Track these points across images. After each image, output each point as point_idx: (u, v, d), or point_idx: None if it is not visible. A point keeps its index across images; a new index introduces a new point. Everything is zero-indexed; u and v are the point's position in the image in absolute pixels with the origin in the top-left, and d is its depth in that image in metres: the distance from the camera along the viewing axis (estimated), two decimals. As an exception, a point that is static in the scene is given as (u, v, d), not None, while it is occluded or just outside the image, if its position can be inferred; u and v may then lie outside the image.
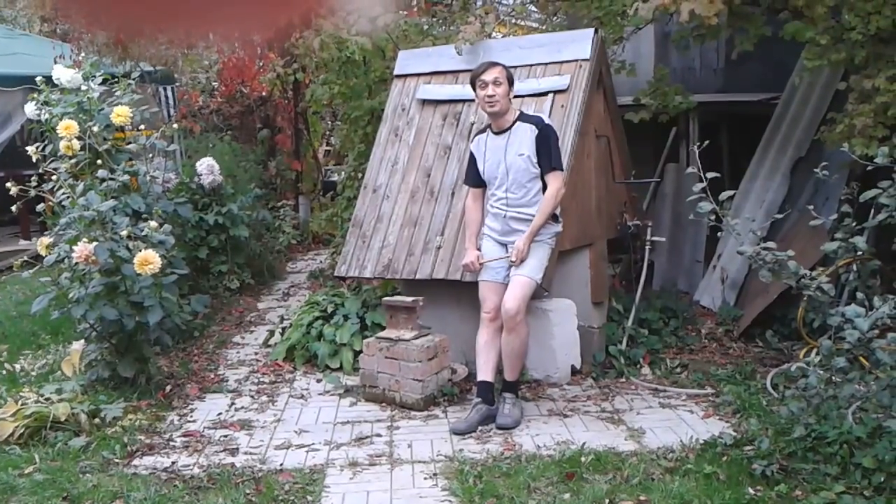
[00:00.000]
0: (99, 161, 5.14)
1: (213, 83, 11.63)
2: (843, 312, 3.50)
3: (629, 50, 6.80)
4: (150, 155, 5.83)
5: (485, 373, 4.41)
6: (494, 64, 4.47)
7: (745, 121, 7.00)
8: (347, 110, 7.20)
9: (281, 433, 4.36)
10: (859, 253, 3.95)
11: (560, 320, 4.93)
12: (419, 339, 4.65)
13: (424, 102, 5.59)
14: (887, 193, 3.68)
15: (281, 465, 3.93)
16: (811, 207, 4.15)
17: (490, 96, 4.37)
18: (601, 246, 5.45)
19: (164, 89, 10.39)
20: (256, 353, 5.89)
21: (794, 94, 6.20)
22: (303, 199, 10.92)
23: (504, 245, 4.50)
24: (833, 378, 3.64)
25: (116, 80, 5.98)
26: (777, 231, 5.78)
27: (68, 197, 4.87)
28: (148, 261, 4.42)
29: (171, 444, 4.23)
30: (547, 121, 4.51)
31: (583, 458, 3.81)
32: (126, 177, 5.19)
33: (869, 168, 3.88)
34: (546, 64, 5.25)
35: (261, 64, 10.17)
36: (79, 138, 5.03)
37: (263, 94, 11.21)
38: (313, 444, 4.19)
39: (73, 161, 5.07)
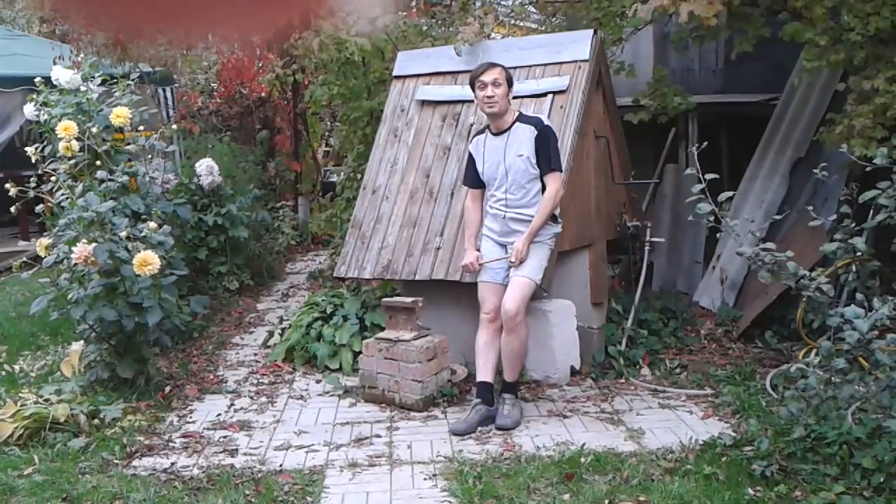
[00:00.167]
0: (98, 162, 5.14)
1: (213, 84, 11.65)
2: (842, 313, 3.50)
3: (628, 51, 6.80)
4: (150, 156, 5.82)
5: (484, 373, 4.41)
6: (494, 65, 4.47)
7: (744, 121, 7.00)
8: (347, 111, 7.21)
9: (280, 434, 4.36)
10: (858, 254, 3.96)
11: (559, 321, 4.93)
12: (418, 340, 4.65)
13: (423, 103, 5.59)
14: (886, 194, 3.68)
15: (280, 465, 3.93)
16: (810, 208, 4.15)
17: (489, 97, 4.37)
18: (600, 247, 5.45)
19: (164, 90, 10.39)
20: (256, 354, 5.89)
21: (793, 95, 6.20)
22: (302, 199, 10.92)
23: (503, 246, 4.50)
24: (832, 379, 3.64)
25: (115, 80, 5.98)
26: (776, 232, 5.78)
27: (67, 198, 4.87)
28: (147, 262, 4.42)
29: (171, 444, 4.22)
30: (546, 122, 4.51)
31: (582, 459, 3.81)
32: (125, 178, 5.19)
33: (868, 169, 3.88)
34: (545, 65, 5.25)
35: (260, 65, 10.17)
36: (78, 139, 5.03)
37: (263, 94, 11.21)
38: (313, 444, 4.19)
39: (73, 162, 5.07)
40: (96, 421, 4.34)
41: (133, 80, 6.08)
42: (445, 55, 5.62)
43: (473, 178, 4.61)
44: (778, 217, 5.19)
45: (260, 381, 5.28)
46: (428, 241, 5.12)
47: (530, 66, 5.29)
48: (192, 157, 8.75)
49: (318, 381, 5.20)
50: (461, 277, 4.82)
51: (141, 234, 4.68)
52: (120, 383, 4.80)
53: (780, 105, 6.34)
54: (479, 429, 4.29)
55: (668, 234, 6.76)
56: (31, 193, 4.88)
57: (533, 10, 8.71)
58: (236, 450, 4.14)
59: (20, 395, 4.65)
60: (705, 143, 4.20)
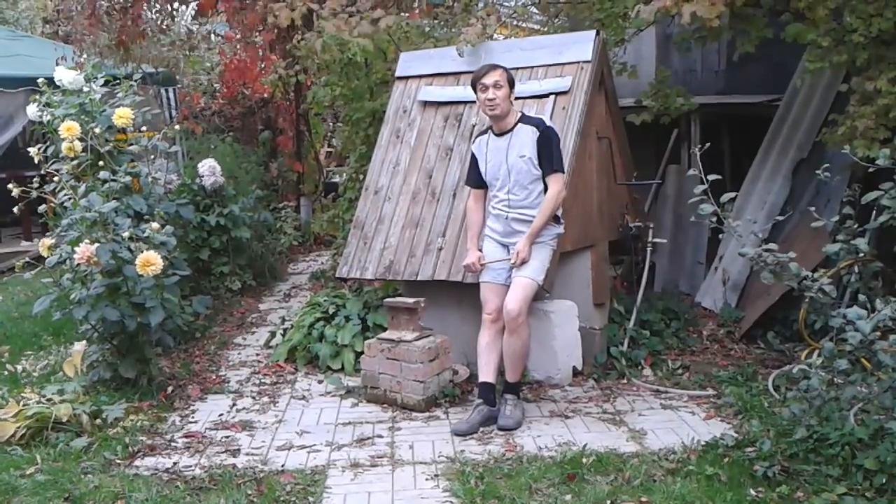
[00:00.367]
0: (101, 162, 5.14)
1: (215, 85, 11.65)
2: (844, 314, 3.50)
3: (630, 52, 6.81)
4: (152, 156, 5.83)
5: (486, 374, 4.42)
6: (495, 67, 4.47)
7: (746, 122, 7.00)
8: (349, 112, 7.21)
9: (282, 434, 4.36)
10: (861, 255, 3.95)
11: (561, 321, 4.93)
12: (420, 341, 4.66)
13: (426, 104, 5.59)
14: (889, 195, 3.68)
15: (282, 465, 3.93)
16: (813, 209, 4.15)
17: (490, 100, 4.37)
18: (603, 247, 5.45)
19: (166, 91, 10.42)
20: (258, 354, 5.89)
21: (795, 96, 6.20)
22: (304, 200, 10.93)
23: (506, 246, 4.51)
24: (835, 380, 3.64)
25: (118, 81, 5.98)
26: (778, 233, 5.78)
27: (70, 198, 4.87)
28: (150, 262, 4.43)
29: (173, 444, 4.23)
30: (548, 123, 4.51)
31: (584, 460, 3.81)
32: (128, 178, 5.20)
33: (870, 170, 3.88)
34: (548, 66, 5.25)
35: (262, 66, 10.17)
36: (80, 140, 5.03)
37: (265, 95, 11.22)
38: (315, 444, 4.19)
39: (75, 162, 5.07)
40: (98, 421, 4.35)
41: (136, 80, 6.09)
42: (448, 56, 5.62)
43: (476, 179, 4.61)
44: (780, 218, 5.18)
45: (262, 381, 5.28)
46: (430, 242, 5.12)
47: (533, 67, 5.29)
48: (195, 157, 8.76)
49: (320, 382, 5.20)
50: (463, 278, 4.82)
51: (143, 235, 4.69)
52: (122, 383, 4.80)
53: (783, 106, 6.34)
54: (481, 429, 4.29)
55: (670, 235, 6.76)
56: (34, 194, 4.88)
57: (535, 10, 8.72)
58: (238, 450, 4.14)
59: (23, 394, 4.66)
60: (707, 144, 4.19)
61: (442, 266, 5.00)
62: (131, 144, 5.67)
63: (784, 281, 3.77)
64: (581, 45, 5.19)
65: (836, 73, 5.62)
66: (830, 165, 3.99)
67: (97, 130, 5.22)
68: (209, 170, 7.31)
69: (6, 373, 5.40)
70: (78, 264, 4.52)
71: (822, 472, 3.46)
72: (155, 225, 4.76)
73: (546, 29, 8.74)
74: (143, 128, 5.64)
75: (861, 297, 3.67)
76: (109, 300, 4.61)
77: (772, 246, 3.78)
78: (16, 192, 4.80)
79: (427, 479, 3.72)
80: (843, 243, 3.87)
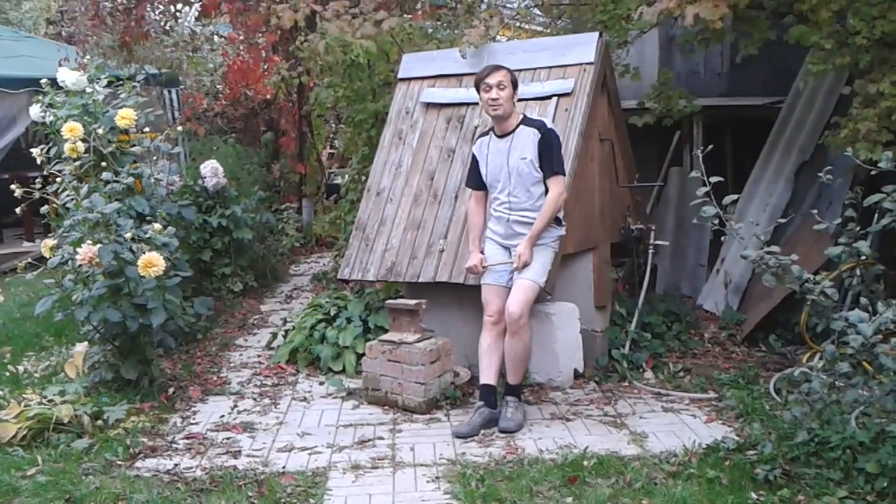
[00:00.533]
0: (103, 163, 5.14)
1: (218, 86, 11.66)
2: (846, 317, 3.49)
3: (633, 54, 6.80)
4: (155, 157, 5.83)
5: (487, 376, 4.41)
6: (498, 67, 4.47)
7: (749, 124, 6.99)
8: (351, 113, 7.21)
9: (283, 436, 4.36)
10: (863, 257, 3.94)
11: (563, 324, 4.93)
12: (422, 342, 4.65)
13: (428, 106, 5.59)
14: (891, 198, 3.67)
15: (283, 467, 3.93)
16: (815, 212, 4.14)
17: (494, 100, 4.38)
18: (604, 249, 5.44)
19: (169, 92, 10.41)
20: (259, 356, 5.89)
21: (798, 98, 6.20)
22: (306, 201, 10.94)
23: (507, 248, 4.51)
24: (836, 383, 3.63)
25: (121, 82, 5.99)
26: (781, 235, 5.78)
27: (72, 199, 4.88)
28: (152, 263, 4.43)
29: (174, 446, 4.23)
30: (549, 125, 4.51)
31: (585, 462, 3.80)
32: (130, 179, 5.20)
33: (873, 172, 3.87)
34: (550, 67, 5.25)
35: (265, 67, 10.18)
36: (83, 140, 5.03)
37: (268, 97, 11.24)
38: (316, 446, 4.19)
39: (78, 163, 5.07)
40: (100, 422, 4.34)
41: (139, 81, 6.10)
42: (450, 57, 5.62)
43: (476, 180, 4.61)
44: (782, 220, 5.17)
45: (263, 382, 5.28)
46: (432, 244, 5.12)
47: (535, 69, 5.29)
48: (198, 158, 8.77)
49: (321, 383, 5.20)
50: (465, 280, 4.82)
51: (146, 236, 4.69)
52: (124, 384, 4.80)
53: (786, 108, 6.33)
54: (482, 431, 4.28)
55: (672, 238, 6.76)
56: (37, 194, 4.89)
57: (538, 12, 8.71)
58: (239, 451, 4.14)
59: (24, 395, 4.66)
60: (710, 147, 4.19)
61: (443, 268, 4.99)
62: (134, 145, 5.67)
63: (786, 284, 3.77)
64: (584, 47, 5.19)
65: (839, 75, 5.62)
66: (833, 168, 3.98)
67: (100, 131, 5.22)
68: (211, 171, 7.31)
69: (8, 373, 5.40)
70: (80, 265, 4.52)
71: (823, 475, 3.45)
72: (157, 226, 4.76)
73: (549, 31, 8.73)
74: (146, 129, 5.64)
75: (863, 300, 3.66)
76: (111, 301, 4.61)
77: (774, 248, 3.77)
78: (18, 192, 4.81)
79: (428, 482, 3.72)
80: (845, 246, 3.86)
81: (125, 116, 5.24)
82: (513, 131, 4.45)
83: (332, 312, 5.65)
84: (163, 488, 3.68)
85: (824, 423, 3.64)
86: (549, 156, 4.37)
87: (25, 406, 4.38)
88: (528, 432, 4.29)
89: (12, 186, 4.82)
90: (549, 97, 5.12)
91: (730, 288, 6.17)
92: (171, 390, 4.97)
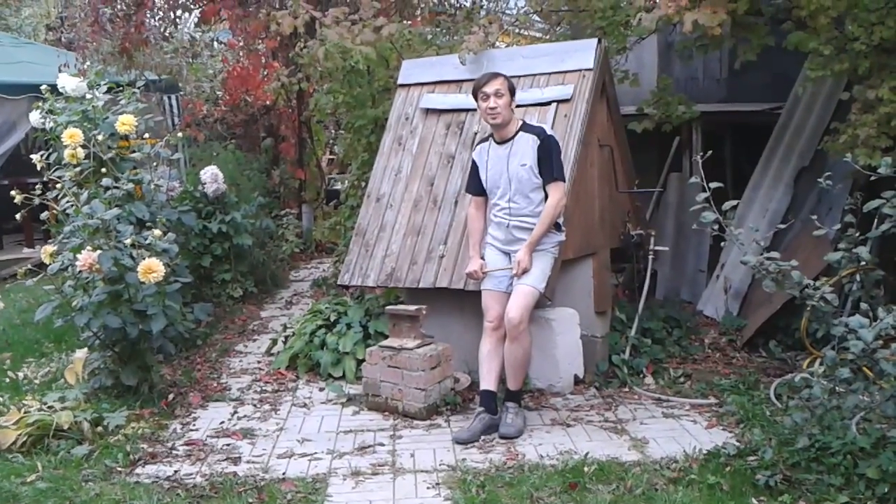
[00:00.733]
0: (103, 169, 5.15)
1: (218, 92, 11.67)
2: (846, 323, 3.49)
3: (632, 60, 6.82)
4: (155, 163, 5.83)
5: (488, 382, 4.41)
6: (496, 75, 4.48)
7: (748, 130, 7.00)
8: (351, 119, 7.22)
9: (283, 442, 4.35)
10: (863, 263, 3.95)
11: (563, 329, 4.93)
12: (422, 348, 4.65)
13: (428, 111, 5.60)
14: (891, 204, 3.68)
15: (283, 473, 3.92)
16: (814, 217, 4.14)
17: (492, 108, 4.38)
18: (604, 255, 5.44)
19: (169, 98, 10.43)
20: (259, 362, 5.89)
21: (797, 104, 6.21)
22: (306, 207, 10.94)
23: (507, 254, 4.51)
24: (837, 388, 3.63)
25: (121, 88, 6.00)
26: (780, 241, 5.78)
27: (72, 205, 4.88)
28: (152, 269, 4.43)
29: (174, 452, 4.22)
30: (548, 131, 4.51)
31: (586, 468, 3.80)
32: (130, 185, 5.20)
33: (872, 178, 3.87)
34: (549, 73, 5.26)
35: (265, 73, 10.19)
36: (83, 147, 5.04)
37: (267, 103, 11.24)
38: (316, 452, 4.18)
39: (78, 169, 5.09)
40: (100, 428, 4.34)
41: (138, 88, 6.10)
42: (450, 63, 5.63)
43: (476, 186, 4.62)
44: (782, 226, 5.18)
45: (263, 388, 5.28)
46: (432, 249, 5.12)
47: (534, 75, 5.30)
48: (197, 164, 8.78)
49: (321, 389, 5.20)
50: (465, 285, 4.82)
51: (146, 242, 4.69)
52: (123, 391, 4.80)
53: (785, 114, 6.34)
54: (483, 437, 4.28)
55: (671, 243, 6.76)
56: (37, 200, 4.89)
57: (537, 19, 8.73)
58: (239, 458, 4.14)
59: (24, 402, 4.66)
60: (709, 152, 4.20)
61: (443, 273, 4.99)
62: (134, 151, 5.68)
63: (786, 289, 3.77)
64: (583, 54, 5.20)
65: (837, 81, 5.63)
66: (832, 174, 3.99)
67: (100, 137, 5.23)
68: (211, 177, 7.32)
69: (8, 380, 5.39)
70: (80, 271, 4.52)
71: (824, 481, 3.44)
72: (157, 232, 4.76)
73: (548, 37, 8.76)
74: (146, 135, 5.65)
75: (863, 306, 3.66)
76: (111, 307, 4.61)
77: (773, 254, 3.77)
78: (18, 198, 4.81)
79: (428, 488, 3.72)
80: (845, 251, 3.86)
81: (125, 122, 5.25)
82: (512, 138, 4.45)
83: (333, 318, 5.65)
84: (163, 495, 3.67)
85: (825, 429, 3.64)
86: (548, 162, 4.37)
87: (25, 412, 4.38)
88: (529, 438, 4.29)
89: (12, 192, 4.83)
90: (549, 103, 5.12)
91: (730, 293, 6.17)
92: (171, 396, 4.96)
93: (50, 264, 4.75)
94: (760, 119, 6.75)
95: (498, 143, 4.50)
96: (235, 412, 4.83)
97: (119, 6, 8.99)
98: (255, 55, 10.47)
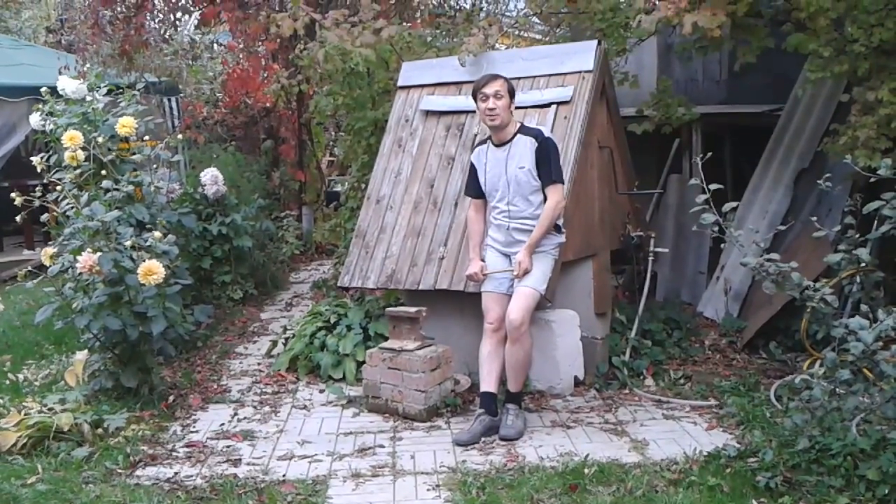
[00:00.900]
0: (103, 171, 5.15)
1: (218, 94, 11.68)
2: (846, 324, 3.49)
3: (632, 61, 6.82)
4: (155, 165, 5.84)
5: (488, 384, 4.41)
6: (495, 77, 4.48)
7: (748, 132, 7.01)
8: (351, 121, 7.22)
9: (284, 444, 4.35)
10: (863, 264, 3.95)
11: (563, 331, 4.93)
12: (422, 350, 4.65)
13: (428, 113, 5.60)
14: (890, 205, 3.68)
15: (284, 475, 3.92)
16: (814, 219, 4.14)
17: (491, 110, 4.38)
18: (604, 257, 5.45)
19: (169, 100, 10.43)
20: (259, 364, 5.89)
21: (797, 106, 6.21)
22: (306, 209, 10.94)
23: (507, 256, 4.51)
24: (837, 390, 3.63)
25: (121, 90, 6.00)
26: (780, 242, 5.78)
27: (72, 207, 4.89)
28: (152, 271, 4.43)
29: (174, 454, 4.22)
30: (547, 134, 4.51)
31: (586, 470, 3.80)
32: (130, 187, 5.21)
33: (872, 180, 3.88)
34: (549, 75, 5.26)
35: (265, 75, 10.20)
36: (83, 149, 5.04)
37: (267, 105, 11.24)
38: (316, 454, 4.18)
39: (78, 171, 5.09)
40: (100, 430, 4.34)
41: (138, 90, 6.11)
42: (449, 66, 5.64)
43: (475, 189, 4.62)
44: (782, 227, 5.18)
45: (263, 390, 5.28)
46: (432, 251, 5.12)
47: (534, 77, 5.30)
48: (197, 166, 8.79)
49: (321, 391, 5.20)
50: (465, 287, 4.82)
51: (146, 244, 4.69)
52: (124, 392, 4.80)
53: (784, 116, 6.34)
54: (483, 439, 4.28)
55: (671, 245, 6.76)
56: (37, 203, 4.90)
57: (537, 20, 8.74)
58: (239, 459, 4.14)
59: (24, 404, 4.66)
60: (709, 154, 4.20)
61: (444, 275, 5.00)
62: (134, 154, 5.68)
63: (786, 291, 3.77)
64: (583, 55, 5.20)
65: (837, 83, 5.63)
66: (832, 175, 3.99)
67: (100, 140, 5.24)
68: (211, 179, 7.32)
69: (8, 382, 5.39)
70: (80, 273, 4.53)
71: (824, 482, 3.44)
72: (157, 234, 4.76)
73: (548, 39, 8.76)
74: (146, 137, 5.66)
75: (863, 307, 3.66)
76: (111, 309, 4.62)
77: (773, 255, 3.78)
78: (18, 201, 4.82)
79: (428, 490, 3.72)
80: (845, 253, 3.87)
81: (125, 125, 5.25)
82: (510, 140, 4.45)
83: (333, 320, 5.65)
84: (163, 497, 3.67)
85: (825, 431, 3.64)
86: (546, 164, 4.37)
87: (25, 414, 4.38)
88: (529, 440, 4.29)
89: (12, 195, 4.84)
90: (548, 105, 5.13)
91: (730, 295, 6.17)
92: (171, 398, 4.97)
93: (50, 266, 4.75)
94: (760, 121, 6.75)
95: (496, 145, 4.50)
96: (235, 414, 4.83)
97: (119, 8, 9.00)
98: (254, 57, 10.47)
